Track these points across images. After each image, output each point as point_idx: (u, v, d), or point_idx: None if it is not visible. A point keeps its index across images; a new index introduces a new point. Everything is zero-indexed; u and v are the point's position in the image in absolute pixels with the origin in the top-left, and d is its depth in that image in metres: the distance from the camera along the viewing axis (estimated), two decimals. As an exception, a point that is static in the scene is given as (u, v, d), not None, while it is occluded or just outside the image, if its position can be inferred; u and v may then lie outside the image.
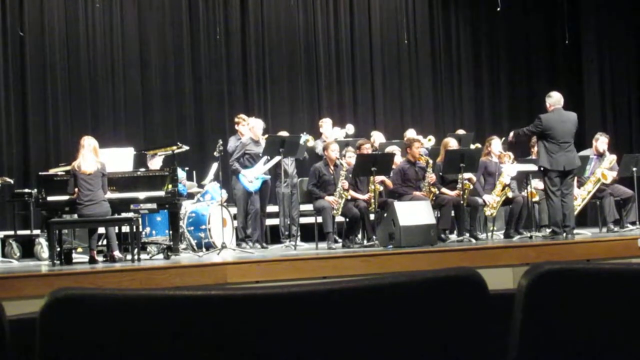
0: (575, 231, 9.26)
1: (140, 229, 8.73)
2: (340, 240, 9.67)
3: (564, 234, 9.06)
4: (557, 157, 9.01)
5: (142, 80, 12.67)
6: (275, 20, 13.60)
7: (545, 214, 9.87)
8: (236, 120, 10.51)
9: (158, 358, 1.40)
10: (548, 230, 9.44)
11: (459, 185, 9.58)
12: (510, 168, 9.86)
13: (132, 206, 8.57)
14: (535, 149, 10.41)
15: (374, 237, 9.17)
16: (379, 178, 9.44)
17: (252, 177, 9.82)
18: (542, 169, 9.14)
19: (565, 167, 9.06)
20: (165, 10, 12.91)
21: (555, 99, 9.27)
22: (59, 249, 8.16)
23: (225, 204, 10.00)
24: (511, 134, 9.66)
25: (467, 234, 9.58)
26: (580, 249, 8.48)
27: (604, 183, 10.43)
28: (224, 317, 1.40)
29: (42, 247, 9.64)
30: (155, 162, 10.03)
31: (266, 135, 10.14)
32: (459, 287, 1.50)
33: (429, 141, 11.36)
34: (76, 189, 8.12)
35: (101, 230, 8.71)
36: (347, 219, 9.36)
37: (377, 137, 11.42)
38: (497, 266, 7.74)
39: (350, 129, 11.57)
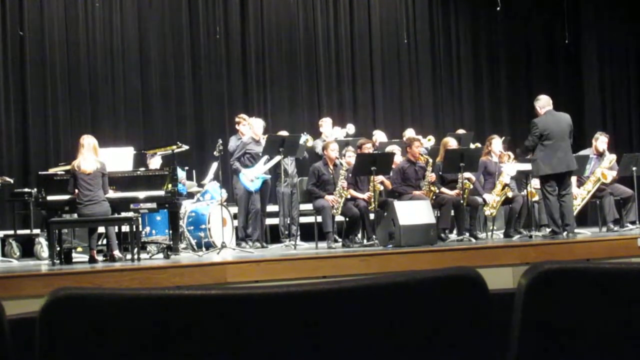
0: (575, 230, 9.26)
1: (140, 229, 8.73)
2: (340, 239, 9.67)
3: (565, 233, 9.05)
4: (556, 159, 8.97)
5: (141, 79, 12.67)
6: (275, 19, 13.61)
7: (545, 214, 9.87)
8: (237, 119, 10.52)
9: (158, 357, 1.40)
10: (548, 230, 9.44)
11: (459, 185, 9.58)
12: (509, 167, 9.87)
13: (131, 206, 8.56)
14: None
15: (374, 236, 9.16)
16: (378, 178, 9.44)
17: (252, 177, 9.82)
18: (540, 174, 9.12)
19: (565, 169, 9.05)
20: (165, 10, 12.91)
21: (544, 101, 9.23)
22: (58, 249, 8.15)
23: (225, 203, 10.00)
24: (522, 155, 9.59)
25: (467, 234, 9.57)
26: (580, 249, 8.48)
27: (603, 182, 10.43)
28: (224, 317, 1.40)
29: (42, 246, 9.65)
30: (155, 162, 10.04)
31: (266, 135, 10.14)
32: (458, 286, 1.50)
33: (429, 141, 11.35)
34: (76, 189, 8.12)
35: (101, 229, 8.71)
36: (347, 219, 9.36)
37: (380, 137, 11.41)
38: (497, 266, 7.73)
39: (350, 128, 11.56)
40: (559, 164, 8.98)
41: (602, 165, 10.49)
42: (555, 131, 8.99)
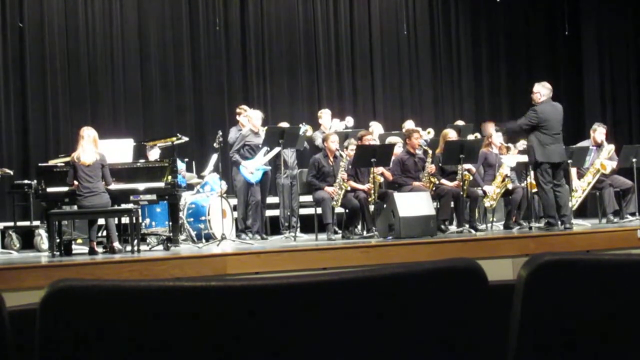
0: (574, 222, 9.26)
1: (140, 220, 8.73)
2: (339, 231, 9.67)
3: (560, 224, 9.06)
4: (551, 149, 8.97)
5: (141, 71, 12.66)
6: (275, 11, 13.58)
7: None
8: (238, 110, 10.51)
9: (157, 349, 1.40)
10: (544, 222, 9.44)
11: (459, 176, 9.58)
12: (509, 159, 9.87)
13: (131, 197, 8.56)
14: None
15: (374, 228, 9.16)
16: (379, 169, 9.43)
17: (252, 169, 9.82)
18: (535, 161, 9.08)
19: (559, 159, 9.06)
20: (165, 1, 12.89)
21: (546, 89, 9.23)
22: (58, 240, 8.15)
23: (224, 195, 10.00)
24: (501, 127, 9.60)
25: (467, 225, 9.57)
26: (580, 240, 8.49)
27: (603, 174, 10.43)
28: (224, 308, 1.40)
29: (42, 238, 9.65)
30: (154, 153, 10.03)
31: (265, 127, 10.13)
32: (458, 278, 1.51)
33: (428, 134, 11.32)
34: (75, 182, 8.12)
35: (101, 221, 8.71)
36: (347, 210, 9.36)
37: (376, 128, 11.39)
38: (497, 257, 7.74)
39: (349, 121, 11.54)
40: (553, 154, 8.99)
41: (601, 156, 10.49)
42: (553, 121, 9.02)
